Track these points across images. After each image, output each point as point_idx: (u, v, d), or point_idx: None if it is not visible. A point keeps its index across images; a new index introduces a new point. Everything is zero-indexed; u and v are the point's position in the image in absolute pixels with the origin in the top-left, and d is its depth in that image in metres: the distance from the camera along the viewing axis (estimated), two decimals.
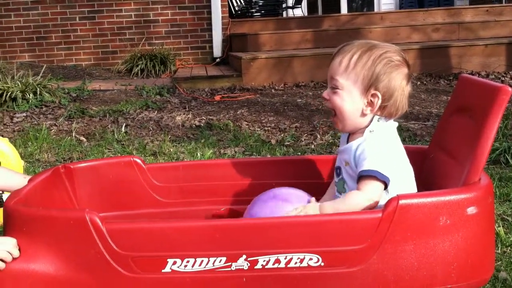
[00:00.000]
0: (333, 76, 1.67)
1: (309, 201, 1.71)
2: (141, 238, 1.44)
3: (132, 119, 4.97)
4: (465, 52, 6.63)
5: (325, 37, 7.64)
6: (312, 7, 11.73)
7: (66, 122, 4.91)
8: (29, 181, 1.77)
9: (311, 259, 1.41)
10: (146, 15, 8.26)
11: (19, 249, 1.47)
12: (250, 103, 5.51)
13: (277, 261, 1.41)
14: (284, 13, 10.59)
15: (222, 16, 8.29)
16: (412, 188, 1.68)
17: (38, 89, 5.63)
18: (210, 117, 4.92)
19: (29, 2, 8.08)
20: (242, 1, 9.87)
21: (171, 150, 3.93)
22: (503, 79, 6.23)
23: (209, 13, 8.26)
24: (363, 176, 1.58)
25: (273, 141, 4.11)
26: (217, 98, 5.85)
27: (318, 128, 4.43)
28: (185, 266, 1.42)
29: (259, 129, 4.50)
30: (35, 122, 4.94)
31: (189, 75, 6.87)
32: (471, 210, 1.45)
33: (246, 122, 4.72)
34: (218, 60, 8.24)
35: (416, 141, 3.96)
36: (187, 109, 5.36)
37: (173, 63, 7.76)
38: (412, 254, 1.42)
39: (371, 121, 1.66)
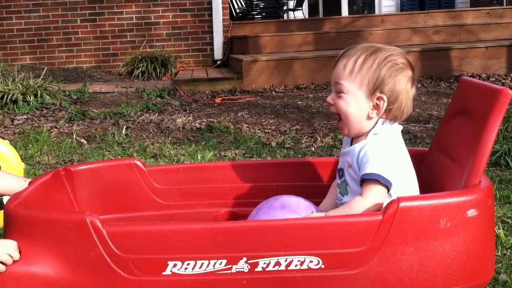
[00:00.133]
0: (338, 80, 1.66)
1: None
2: (142, 240, 1.44)
3: (132, 121, 4.97)
4: (466, 54, 6.64)
5: (326, 40, 7.65)
6: (313, 10, 11.74)
7: (67, 125, 4.91)
8: (30, 183, 1.77)
9: (311, 261, 1.41)
10: (147, 17, 8.27)
11: (20, 252, 1.47)
12: (250, 105, 5.52)
13: (278, 263, 1.41)
14: (285, 16, 10.60)
15: (223, 19, 8.30)
16: (415, 191, 1.68)
17: (39, 91, 5.63)
18: (211, 120, 4.92)
19: (30, 4, 8.09)
20: (243, 4, 9.88)
21: (172, 152, 3.93)
22: (503, 81, 6.23)
23: (210, 15, 8.28)
24: (366, 180, 1.58)
25: (273, 144, 4.11)
26: (218, 100, 5.85)
27: (318, 131, 4.43)
28: (186, 268, 1.42)
29: (259, 132, 4.50)
30: (36, 124, 4.94)
31: (190, 77, 6.87)
32: (472, 212, 1.45)
33: (246, 125, 4.72)
34: (219, 62, 8.25)
35: (417, 144, 3.96)
36: (187, 111, 5.37)
37: (174, 66, 7.77)
38: (412, 257, 1.42)
39: (375, 124, 1.66)
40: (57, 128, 4.80)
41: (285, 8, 10.48)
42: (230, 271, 1.42)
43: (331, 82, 1.73)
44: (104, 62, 8.27)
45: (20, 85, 5.65)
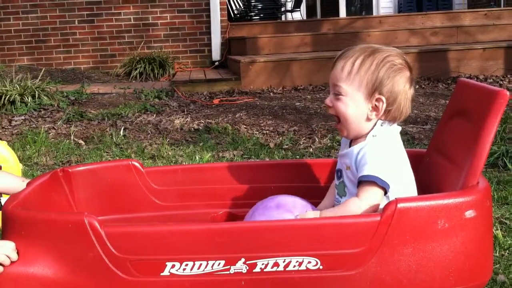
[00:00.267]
0: (336, 82, 1.66)
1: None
2: (140, 241, 1.44)
3: (130, 122, 4.97)
4: (464, 55, 6.65)
5: (324, 41, 7.66)
6: (311, 11, 11.75)
7: (65, 126, 4.91)
8: (28, 184, 1.77)
9: (309, 262, 1.41)
10: (145, 18, 8.27)
11: (18, 253, 1.47)
12: (248, 106, 5.52)
13: (276, 264, 1.41)
14: (283, 17, 10.61)
15: (221, 20, 8.30)
16: (413, 192, 1.68)
17: (36, 92, 5.63)
18: (209, 121, 4.92)
19: (28, 5, 8.08)
20: (241, 5, 9.89)
21: (170, 153, 3.93)
22: (501, 82, 6.24)
23: (208, 16, 8.28)
24: (363, 182, 1.58)
25: (271, 145, 4.12)
26: (216, 101, 5.85)
27: (316, 132, 4.43)
28: (184, 269, 1.42)
29: (257, 133, 4.50)
30: (34, 125, 4.94)
31: (187, 78, 6.87)
32: (469, 213, 1.45)
33: (244, 126, 4.73)
34: (216, 63, 8.25)
35: (414, 145, 3.97)
36: (185, 112, 5.37)
37: (172, 67, 7.78)
38: (410, 258, 1.42)
39: (374, 125, 1.66)
40: (55, 129, 4.80)
41: (283, 9, 10.49)
42: (228, 272, 1.42)
43: (329, 84, 1.73)
44: (102, 63, 8.27)
45: (18, 86, 5.65)
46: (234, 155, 3.87)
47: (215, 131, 4.56)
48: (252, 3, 9.93)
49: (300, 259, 1.41)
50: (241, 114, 5.16)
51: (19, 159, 3.14)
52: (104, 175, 2.02)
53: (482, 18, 8.71)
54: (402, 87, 1.64)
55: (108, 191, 2.02)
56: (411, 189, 1.68)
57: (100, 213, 1.92)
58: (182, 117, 5.09)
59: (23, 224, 1.50)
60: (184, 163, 3.68)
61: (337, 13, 11.08)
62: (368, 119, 1.65)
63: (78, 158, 3.93)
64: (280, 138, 4.30)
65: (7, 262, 1.44)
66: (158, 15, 8.28)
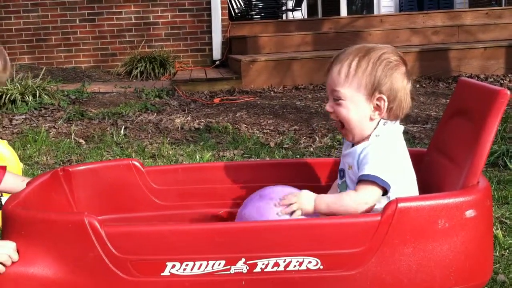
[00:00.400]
0: (334, 87, 1.65)
1: None
2: (140, 241, 1.44)
3: (131, 121, 4.97)
4: (465, 55, 6.64)
5: (324, 40, 7.66)
6: (312, 10, 11.75)
7: (65, 125, 4.91)
8: (28, 184, 1.77)
9: (310, 262, 1.41)
10: (146, 17, 8.27)
11: (18, 253, 1.47)
12: (249, 105, 5.52)
13: (276, 264, 1.41)
14: (284, 16, 10.61)
15: (222, 19, 8.30)
16: (414, 192, 1.68)
17: (37, 91, 5.63)
18: (209, 120, 4.92)
19: (29, 4, 8.08)
20: (242, 4, 9.89)
21: (170, 152, 3.93)
22: (502, 82, 6.23)
23: (209, 15, 8.28)
24: (363, 180, 1.58)
25: (272, 144, 4.11)
26: (216, 100, 5.85)
27: (317, 131, 4.43)
28: (184, 269, 1.42)
29: (258, 132, 4.50)
30: (34, 124, 4.94)
31: (188, 77, 6.87)
32: (470, 213, 1.45)
33: (245, 125, 4.72)
34: (217, 62, 8.25)
35: (415, 144, 3.97)
36: (186, 111, 5.37)
37: (173, 66, 7.78)
38: (410, 257, 1.42)
39: (377, 125, 1.65)
40: (55, 128, 4.80)
41: (284, 8, 10.49)
42: (228, 272, 1.42)
43: (327, 90, 1.72)
44: (103, 62, 8.27)
45: (18, 85, 5.65)
46: (235, 155, 3.87)
47: (216, 130, 4.56)
48: (253, 2, 9.93)
49: (300, 259, 1.41)
50: (242, 113, 5.16)
51: (20, 158, 3.14)
52: (104, 174, 2.02)
53: (483, 17, 8.70)
54: (401, 83, 1.64)
55: (108, 191, 2.02)
56: (413, 189, 1.68)
57: (100, 213, 1.92)
58: (183, 116, 5.09)
59: (23, 224, 1.50)
60: (184, 162, 3.68)
61: (338, 12, 11.08)
62: (371, 119, 1.65)
63: (78, 157, 3.93)
64: (281, 138, 4.30)
65: (8, 262, 1.44)
66: (159, 14, 8.28)
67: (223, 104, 5.67)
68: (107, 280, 1.44)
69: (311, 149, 3.98)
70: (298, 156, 3.81)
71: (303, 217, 1.62)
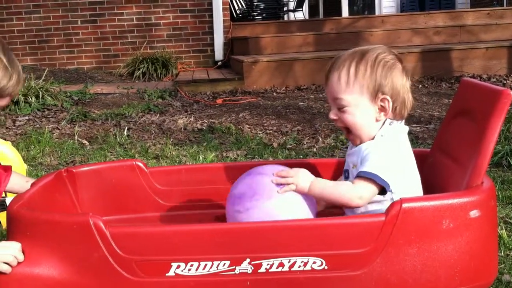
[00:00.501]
0: (336, 95, 1.65)
1: None
2: (145, 242, 1.44)
3: (134, 122, 4.98)
4: (467, 55, 6.64)
5: (326, 40, 7.66)
6: (313, 11, 11.74)
7: (69, 126, 4.92)
8: (32, 185, 1.78)
9: (314, 262, 1.41)
10: (148, 18, 8.27)
11: (23, 253, 1.47)
12: (251, 106, 5.52)
13: (281, 264, 1.41)
14: (286, 17, 10.61)
15: (223, 20, 8.31)
16: (418, 193, 1.68)
17: (40, 92, 5.64)
18: (212, 121, 4.92)
19: (31, 5, 8.10)
20: (244, 5, 9.89)
21: (173, 153, 3.93)
22: (504, 82, 6.23)
23: (211, 16, 8.29)
24: (361, 176, 1.58)
25: (275, 144, 4.12)
26: (219, 101, 5.86)
27: (320, 131, 4.43)
28: (189, 270, 1.43)
29: (261, 132, 4.50)
30: (38, 125, 4.95)
31: (190, 78, 6.88)
32: (474, 213, 1.45)
33: (248, 125, 4.73)
34: (219, 63, 8.25)
35: (418, 144, 3.97)
36: (189, 112, 5.37)
37: (175, 67, 7.78)
38: (415, 258, 1.42)
39: (382, 125, 1.66)
40: (58, 129, 4.80)
41: (285, 9, 10.49)
42: (233, 272, 1.42)
43: (328, 98, 1.71)
44: (105, 63, 8.28)
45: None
46: (238, 155, 3.87)
47: (219, 131, 4.57)
48: (255, 3, 9.93)
49: (305, 259, 1.41)
50: (245, 114, 5.17)
51: (24, 160, 3.14)
52: (108, 175, 2.03)
53: (485, 18, 8.70)
54: (401, 81, 1.65)
55: (112, 191, 2.02)
56: (417, 189, 1.68)
57: (104, 214, 1.92)
58: (186, 117, 5.09)
59: (28, 224, 1.50)
60: (187, 163, 3.69)
61: (339, 12, 11.07)
62: (377, 121, 1.65)
63: (82, 158, 3.94)
64: (284, 138, 4.30)
65: (14, 262, 1.45)
66: (161, 15, 8.28)
67: (226, 105, 5.68)
68: (112, 281, 1.44)
69: (314, 149, 3.98)
70: (301, 156, 3.82)
71: (295, 193, 1.62)
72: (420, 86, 6.23)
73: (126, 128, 4.72)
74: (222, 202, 2.06)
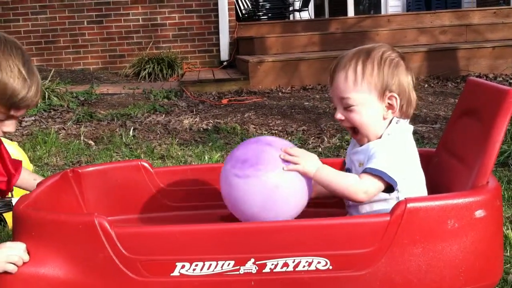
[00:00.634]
0: (343, 95, 1.64)
1: None
2: (150, 242, 1.44)
3: (140, 122, 4.99)
4: (473, 54, 6.62)
5: (332, 40, 7.65)
6: (319, 10, 11.73)
7: (75, 126, 4.93)
8: (38, 185, 1.79)
9: (319, 262, 1.41)
10: (154, 19, 8.29)
11: (28, 253, 1.48)
12: (257, 106, 5.52)
13: (285, 264, 1.41)
14: (291, 16, 10.60)
15: (229, 20, 8.31)
16: (423, 192, 1.68)
17: (46, 93, 5.66)
18: (218, 121, 4.93)
19: (37, 6, 8.13)
20: (249, 5, 9.89)
21: (179, 153, 3.94)
22: (511, 81, 6.20)
23: (216, 16, 8.29)
24: (368, 172, 1.57)
25: None
26: (225, 101, 5.86)
27: (325, 131, 4.43)
28: (194, 269, 1.43)
29: (266, 132, 4.50)
30: (44, 126, 4.96)
31: (196, 78, 6.89)
32: (479, 213, 1.45)
33: (253, 125, 4.73)
34: (225, 63, 8.26)
35: (424, 144, 3.96)
36: (194, 112, 5.38)
37: (181, 67, 7.79)
38: (420, 258, 1.42)
39: (389, 123, 1.65)
40: (65, 129, 4.82)
41: (291, 8, 10.49)
42: (238, 272, 1.42)
43: (333, 98, 1.71)
44: (111, 63, 8.30)
45: None
46: None
47: (224, 131, 4.57)
48: (260, 3, 9.93)
49: (309, 259, 1.41)
50: (250, 114, 5.17)
51: (30, 160, 3.16)
52: (113, 175, 2.03)
53: (491, 17, 8.67)
54: (406, 79, 1.65)
55: (117, 192, 2.03)
56: (422, 189, 1.68)
57: (109, 214, 1.93)
58: (191, 117, 5.10)
59: (33, 224, 1.51)
60: (193, 163, 3.69)
61: (345, 12, 11.06)
62: (384, 119, 1.65)
63: (88, 158, 3.95)
64: (289, 138, 4.30)
65: (20, 262, 1.46)
66: (167, 15, 8.30)
67: (231, 105, 5.68)
68: (117, 281, 1.45)
69: (320, 149, 3.98)
70: None
71: (298, 175, 1.60)
72: (426, 85, 6.21)
73: (132, 128, 4.73)
74: None
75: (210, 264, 1.42)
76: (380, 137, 1.65)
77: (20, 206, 1.56)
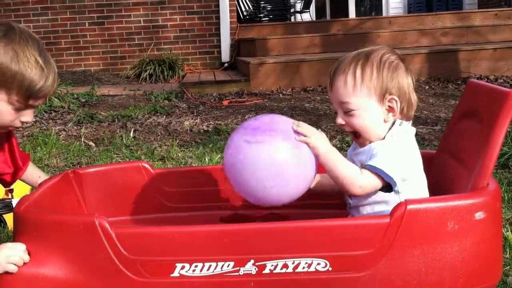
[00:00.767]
0: (343, 99, 1.64)
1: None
2: (150, 242, 1.44)
3: (140, 124, 4.99)
4: (474, 56, 6.62)
5: (333, 42, 7.66)
6: (320, 12, 11.75)
7: (75, 127, 4.94)
8: (39, 186, 1.79)
9: (319, 263, 1.41)
10: (155, 20, 8.30)
11: (29, 254, 1.48)
12: (258, 107, 5.52)
13: (285, 265, 1.42)
14: (292, 18, 10.62)
15: (230, 21, 8.32)
16: (425, 194, 1.67)
17: None
18: (218, 122, 4.93)
19: (38, 8, 8.14)
20: (251, 6, 9.90)
21: (179, 155, 3.94)
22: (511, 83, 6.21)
23: (218, 18, 8.30)
24: (368, 169, 1.57)
25: None
26: (225, 103, 5.87)
27: (326, 133, 4.42)
28: (194, 270, 1.43)
29: None
30: (44, 127, 4.97)
31: (197, 80, 6.89)
32: (479, 215, 1.45)
33: None
34: (226, 65, 8.27)
35: (424, 146, 3.96)
36: (195, 114, 5.38)
37: (182, 68, 7.80)
38: (420, 259, 1.42)
39: (392, 125, 1.65)
40: (65, 131, 4.83)
41: (292, 10, 10.50)
42: (237, 273, 1.42)
43: (333, 103, 1.70)
44: (112, 65, 8.31)
45: None
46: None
47: (225, 132, 4.57)
48: (261, 5, 9.94)
49: (309, 260, 1.41)
50: (251, 115, 5.17)
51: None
52: (114, 176, 2.04)
53: (492, 18, 8.67)
54: (406, 81, 1.65)
55: (118, 193, 2.03)
56: (423, 191, 1.67)
57: (110, 215, 1.93)
58: (192, 119, 5.10)
59: (34, 225, 1.52)
60: (193, 164, 3.69)
61: (346, 14, 11.08)
62: (385, 122, 1.65)
63: (88, 159, 3.95)
64: None
65: (20, 263, 1.46)
66: (168, 17, 8.31)
67: (232, 106, 5.68)
68: (117, 281, 1.45)
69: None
70: None
71: (309, 153, 1.56)
72: (427, 87, 6.21)
73: (132, 129, 4.73)
74: (227, 204, 2.07)
75: (210, 265, 1.42)
76: (382, 139, 1.65)
77: (21, 207, 1.57)
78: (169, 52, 8.00)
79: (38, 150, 4.18)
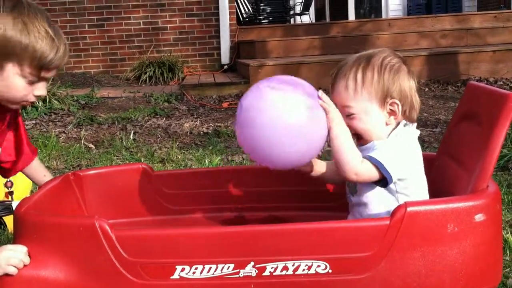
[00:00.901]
0: (344, 103, 1.64)
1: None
2: (150, 245, 1.44)
3: (140, 126, 4.99)
4: (473, 58, 6.63)
5: (333, 44, 7.66)
6: (319, 14, 11.75)
7: (75, 130, 4.94)
8: (39, 188, 1.79)
9: (319, 266, 1.42)
10: (155, 22, 8.31)
11: (29, 256, 1.48)
12: None
13: (285, 268, 1.42)
14: (292, 20, 10.62)
15: (230, 23, 8.33)
16: (425, 196, 1.67)
17: (47, 96, 5.67)
18: (218, 124, 4.93)
19: None
20: (250, 8, 9.91)
21: (179, 157, 3.94)
22: (511, 85, 6.21)
23: (217, 20, 8.31)
24: (368, 160, 1.57)
25: None
26: (225, 105, 5.87)
27: None
28: (194, 272, 1.43)
29: None
30: (44, 129, 4.97)
31: (197, 82, 6.90)
32: (479, 217, 1.45)
33: None
34: (226, 67, 8.27)
35: (424, 148, 3.96)
36: (195, 116, 5.38)
37: (181, 70, 7.80)
38: (419, 261, 1.42)
39: (396, 126, 1.65)
40: (65, 133, 4.83)
41: (291, 12, 10.50)
42: (237, 276, 1.43)
43: None
44: (112, 67, 8.31)
45: None
46: (244, 159, 3.88)
47: (225, 134, 4.58)
48: (261, 7, 9.95)
49: (309, 262, 1.41)
50: None
51: None
52: (114, 179, 2.04)
53: (491, 21, 8.68)
54: (408, 83, 1.64)
55: (118, 195, 2.03)
56: (424, 193, 1.67)
57: (110, 217, 1.93)
58: (192, 121, 5.11)
59: (34, 227, 1.52)
60: (193, 166, 3.70)
61: (346, 16, 11.08)
62: (387, 125, 1.65)
63: (88, 162, 3.95)
64: None
65: (20, 265, 1.46)
66: (168, 19, 8.31)
67: (232, 108, 5.69)
68: (117, 283, 1.45)
69: (320, 152, 3.97)
70: None
71: (324, 117, 1.55)
72: (427, 89, 6.22)
73: (132, 132, 4.73)
74: (227, 206, 2.07)
75: (210, 267, 1.42)
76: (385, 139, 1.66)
77: (21, 209, 1.57)
78: (168, 54, 8.01)
79: (38, 152, 4.18)
